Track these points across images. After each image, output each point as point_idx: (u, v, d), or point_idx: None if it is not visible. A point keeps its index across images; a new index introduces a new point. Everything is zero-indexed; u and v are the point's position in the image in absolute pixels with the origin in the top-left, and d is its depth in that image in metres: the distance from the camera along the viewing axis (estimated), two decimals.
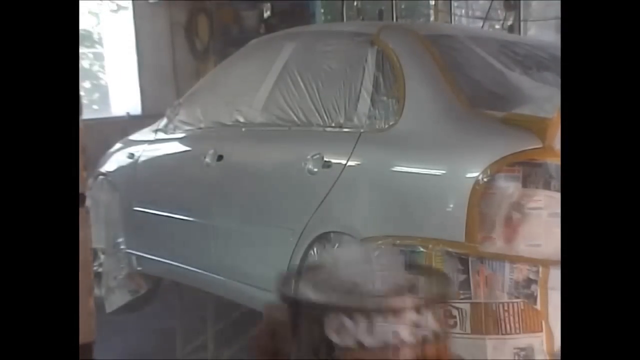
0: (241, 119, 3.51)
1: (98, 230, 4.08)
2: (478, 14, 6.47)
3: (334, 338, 0.33)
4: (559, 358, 2.19)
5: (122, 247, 4.19)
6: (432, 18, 6.99)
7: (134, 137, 4.31)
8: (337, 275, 0.41)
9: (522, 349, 2.29)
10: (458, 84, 2.71)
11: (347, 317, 0.34)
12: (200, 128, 3.79)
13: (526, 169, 2.31)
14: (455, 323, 2.34)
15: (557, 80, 2.78)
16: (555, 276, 2.31)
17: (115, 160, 4.30)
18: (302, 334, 0.33)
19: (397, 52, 2.87)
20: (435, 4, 7.00)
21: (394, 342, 0.37)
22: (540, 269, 2.30)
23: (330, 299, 0.34)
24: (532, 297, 2.30)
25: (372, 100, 2.88)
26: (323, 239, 2.85)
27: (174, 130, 3.95)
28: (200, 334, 3.87)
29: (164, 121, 4.08)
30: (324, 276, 0.40)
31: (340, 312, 0.33)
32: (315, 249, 2.90)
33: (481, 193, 2.30)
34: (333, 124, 2.99)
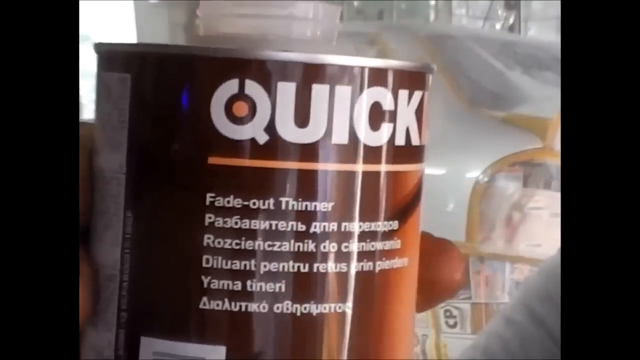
0: None
1: None
2: (478, 14, 6.47)
3: None
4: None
5: None
6: (432, 18, 6.99)
7: None
8: None
9: None
10: (458, 84, 2.70)
11: None
12: None
13: (526, 169, 2.31)
14: (456, 323, 2.34)
15: (557, 80, 2.78)
16: None
17: None
18: None
19: (397, 52, 2.87)
20: (435, 4, 7.01)
21: None
22: None
23: None
24: None
25: None
26: None
27: None
28: None
29: None
30: None
31: None
32: None
33: (481, 193, 2.31)
34: None
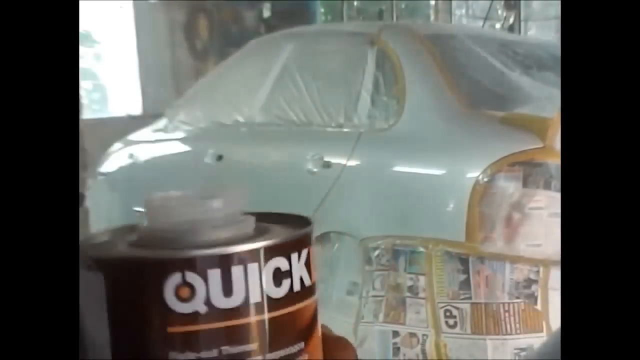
0: (241, 119, 3.51)
1: (98, 230, 4.06)
2: (478, 13, 6.47)
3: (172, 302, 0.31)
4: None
5: None
6: (432, 18, 6.99)
7: (134, 137, 4.31)
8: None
9: (522, 350, 2.29)
10: (458, 84, 2.71)
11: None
12: (200, 128, 3.79)
13: (526, 169, 2.31)
14: (456, 323, 2.34)
15: (557, 80, 2.79)
16: (555, 276, 2.31)
17: (115, 160, 4.30)
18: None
19: (398, 52, 2.88)
20: (435, 4, 7.01)
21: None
22: (541, 269, 2.30)
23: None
24: (532, 298, 2.30)
25: (372, 100, 2.88)
26: (323, 238, 2.85)
27: (174, 130, 3.95)
28: None
29: (163, 121, 4.08)
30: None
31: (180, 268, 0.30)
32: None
33: (481, 193, 2.31)
34: (333, 124, 2.99)
